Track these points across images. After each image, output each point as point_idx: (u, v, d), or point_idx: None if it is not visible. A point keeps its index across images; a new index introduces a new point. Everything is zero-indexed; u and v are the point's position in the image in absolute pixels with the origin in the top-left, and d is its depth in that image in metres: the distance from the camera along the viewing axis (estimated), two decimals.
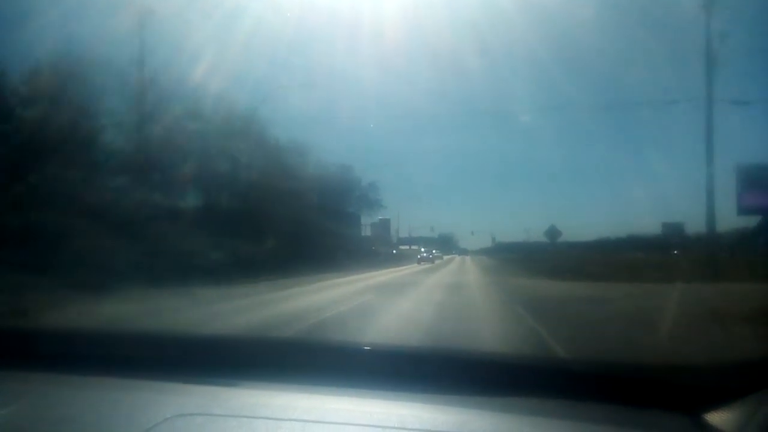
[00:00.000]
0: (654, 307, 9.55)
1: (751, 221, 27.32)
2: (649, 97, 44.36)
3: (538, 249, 45.25)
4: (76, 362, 1.82)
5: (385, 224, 59.00)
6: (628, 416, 1.48)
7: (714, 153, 19.55)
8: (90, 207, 16.31)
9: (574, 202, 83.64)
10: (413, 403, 1.52)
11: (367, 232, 52.20)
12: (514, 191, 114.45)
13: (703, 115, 19.70)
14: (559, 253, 34.01)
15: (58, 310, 9.10)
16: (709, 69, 19.48)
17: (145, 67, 20.19)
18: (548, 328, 7.42)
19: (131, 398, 1.59)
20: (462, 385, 1.59)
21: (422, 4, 28.67)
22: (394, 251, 58.55)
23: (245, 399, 1.59)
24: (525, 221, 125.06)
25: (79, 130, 18.76)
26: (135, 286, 11.86)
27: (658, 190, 45.39)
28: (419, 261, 47.30)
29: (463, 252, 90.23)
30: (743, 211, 24.66)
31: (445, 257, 66.83)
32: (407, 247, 65.44)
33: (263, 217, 24.89)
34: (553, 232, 28.35)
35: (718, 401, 1.51)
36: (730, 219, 26.77)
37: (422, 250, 56.00)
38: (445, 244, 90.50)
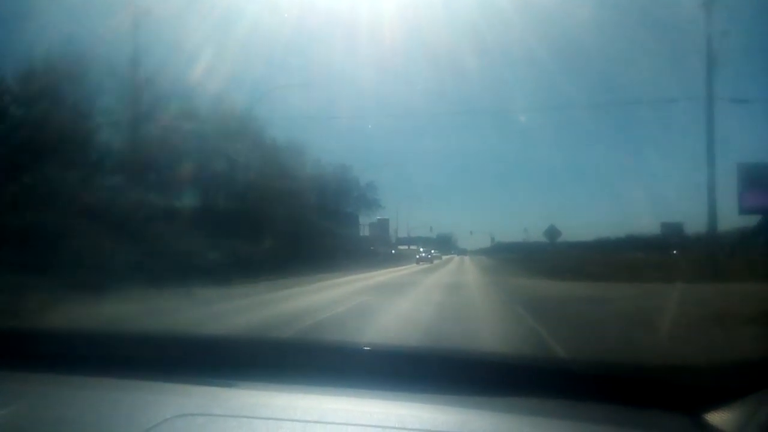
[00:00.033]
0: (655, 307, 9.52)
1: (750, 221, 27.28)
2: (648, 96, 44.44)
3: (537, 249, 45.25)
4: (76, 363, 1.82)
5: (383, 224, 59.10)
6: (628, 416, 1.48)
7: (714, 152, 19.48)
8: (88, 207, 16.30)
9: (573, 202, 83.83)
10: (413, 403, 1.52)
11: (365, 232, 52.34)
12: (513, 191, 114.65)
13: (702, 115, 19.65)
14: (559, 253, 34.01)
15: (56, 311, 9.09)
16: (709, 67, 19.33)
17: (142, 67, 20.18)
18: (548, 329, 7.42)
19: (131, 399, 1.59)
20: (462, 385, 1.59)
21: (420, 4, 28.66)
22: (393, 251, 58.58)
23: (245, 399, 1.59)
24: (524, 221, 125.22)
25: (76, 130, 18.74)
26: (134, 287, 11.84)
27: (657, 190, 45.55)
28: (418, 261, 47.30)
29: (462, 252, 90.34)
30: (745, 210, 24.51)
31: (444, 257, 66.87)
32: (406, 247, 65.50)
33: (261, 217, 24.89)
34: (552, 232, 28.34)
35: (718, 401, 1.51)
36: (730, 218, 26.75)
37: (421, 250, 56.04)
38: (444, 244, 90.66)
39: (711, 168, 19.48)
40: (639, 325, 7.80)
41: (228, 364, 1.81)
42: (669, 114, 52.00)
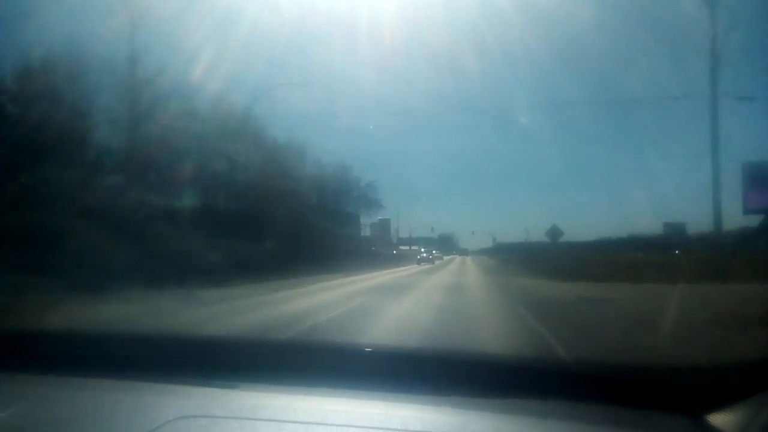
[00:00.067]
0: (659, 309, 9.39)
1: (752, 220, 27.13)
2: (650, 95, 44.28)
3: (538, 249, 45.24)
4: (76, 364, 1.82)
5: (384, 224, 59.08)
6: (629, 417, 1.48)
7: (719, 151, 19.12)
8: (87, 207, 16.32)
9: (574, 202, 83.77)
10: (414, 405, 1.51)
11: (366, 232, 52.31)
12: (515, 191, 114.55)
13: (704, 114, 19.48)
14: (560, 253, 33.97)
15: (56, 311, 9.08)
16: (713, 64, 19.05)
17: (142, 66, 20.23)
18: (552, 331, 7.38)
19: (132, 400, 1.59)
20: (462, 387, 1.59)
21: (420, 4, 28.67)
22: (394, 252, 58.57)
23: (246, 400, 1.59)
24: (526, 221, 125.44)
25: (76, 130, 18.77)
26: (133, 287, 11.84)
27: (659, 190, 45.44)
28: (419, 261, 47.25)
29: (464, 252, 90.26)
30: (749, 210, 24.18)
31: (446, 257, 66.78)
32: (407, 247, 65.46)
33: (262, 217, 24.91)
34: (554, 232, 28.22)
35: (719, 402, 1.51)
36: (733, 218, 26.64)
37: (422, 250, 55.94)
38: (446, 244, 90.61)
39: (715, 167, 19.15)
40: (645, 328, 7.68)
41: (229, 366, 1.81)
42: (671, 113, 51.87)
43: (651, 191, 46.65)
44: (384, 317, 9.81)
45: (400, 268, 35.58)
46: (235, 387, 1.65)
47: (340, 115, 49.03)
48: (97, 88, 20.28)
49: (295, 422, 1.43)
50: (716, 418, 1.46)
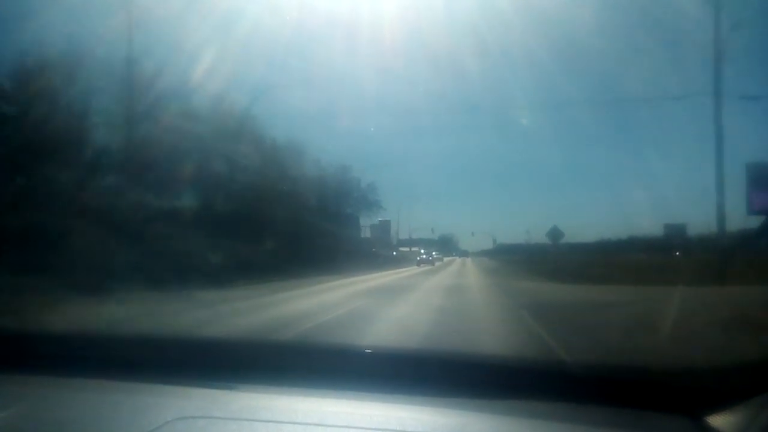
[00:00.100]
0: (663, 312, 9.25)
1: (752, 222, 27.02)
2: (650, 95, 44.20)
3: (539, 250, 45.20)
4: (76, 365, 1.82)
5: (384, 226, 59.02)
6: (629, 419, 1.48)
7: (723, 151, 18.50)
8: (87, 208, 16.33)
9: (575, 203, 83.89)
10: (413, 406, 1.51)
11: (366, 233, 52.28)
12: (515, 192, 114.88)
13: (705, 114, 19.13)
14: (561, 254, 33.93)
15: (55, 312, 9.08)
16: (717, 63, 18.58)
17: (141, 66, 20.19)
18: (551, 332, 7.37)
19: (132, 401, 1.59)
20: (462, 388, 1.59)
21: (421, 5, 28.69)
22: (394, 253, 58.57)
23: (246, 402, 1.59)
24: (526, 222, 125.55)
25: (75, 131, 18.76)
26: (133, 288, 11.84)
27: (659, 191, 45.37)
28: (419, 263, 47.20)
29: (464, 253, 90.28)
30: (754, 211, 23.85)
31: (446, 259, 66.76)
32: (407, 248, 65.44)
33: (261, 218, 24.91)
34: (555, 233, 28.12)
35: (720, 404, 1.50)
36: (734, 219, 26.49)
37: (422, 251, 55.85)
38: (446, 245, 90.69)
39: (719, 167, 18.48)
40: (650, 332, 7.60)
41: (228, 367, 1.81)
42: (671, 114, 51.84)
43: (652, 192, 46.68)
44: (384, 319, 9.80)
45: (400, 270, 35.57)
46: (235, 388, 1.65)
47: (340, 115, 48.92)
48: (97, 89, 20.30)
49: (294, 423, 1.43)
50: (716, 420, 1.46)
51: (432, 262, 48.82)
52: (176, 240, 17.24)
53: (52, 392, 1.66)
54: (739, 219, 25.13)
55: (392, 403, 1.53)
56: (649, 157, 48.00)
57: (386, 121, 53.69)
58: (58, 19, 23.85)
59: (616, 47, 39.86)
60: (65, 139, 18.13)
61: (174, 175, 21.78)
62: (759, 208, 23.93)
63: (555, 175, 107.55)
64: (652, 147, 48.78)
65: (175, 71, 21.46)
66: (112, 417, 1.51)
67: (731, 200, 23.75)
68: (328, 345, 2.85)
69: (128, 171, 19.54)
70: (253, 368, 1.80)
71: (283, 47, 35.14)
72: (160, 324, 8.43)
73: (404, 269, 36.99)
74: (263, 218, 25.02)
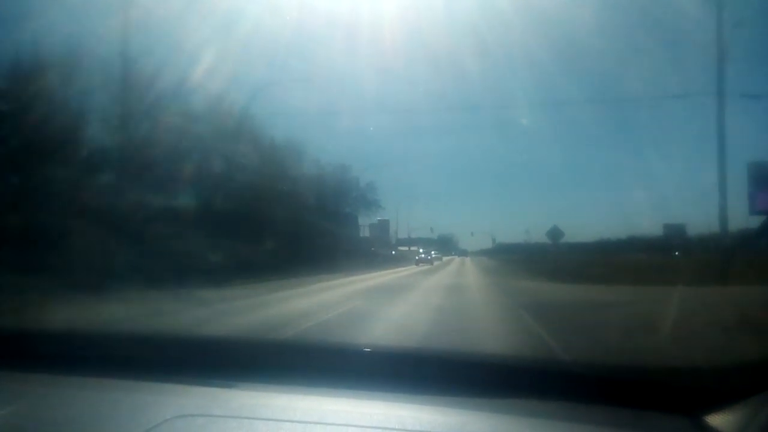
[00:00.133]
0: (661, 311, 9.27)
1: (752, 222, 26.94)
2: (651, 95, 44.17)
3: (538, 250, 45.25)
4: (76, 363, 1.82)
5: (383, 225, 59.07)
6: (628, 418, 1.48)
7: (725, 150, 18.37)
8: (86, 207, 16.31)
9: (574, 203, 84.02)
10: (413, 405, 1.51)
11: (365, 233, 52.28)
12: (515, 192, 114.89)
13: (705, 114, 19.15)
14: (560, 254, 33.94)
15: (55, 311, 9.08)
16: (720, 61, 18.38)
17: (140, 66, 20.15)
18: (550, 331, 7.37)
19: (131, 399, 1.59)
20: (461, 387, 1.59)
21: (421, 5, 28.66)
22: (393, 252, 58.59)
23: (245, 400, 1.59)
24: (525, 222, 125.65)
25: (73, 130, 18.75)
26: (132, 287, 11.84)
27: (659, 191, 45.35)
28: (417, 263, 47.16)
29: (463, 253, 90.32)
30: (756, 211, 23.57)
31: (445, 258, 66.74)
32: (406, 248, 65.42)
33: (260, 217, 24.91)
34: (555, 233, 28.08)
35: (719, 403, 1.51)
36: (734, 219, 26.45)
37: (421, 251, 55.80)
38: (445, 245, 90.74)
39: (722, 167, 18.34)
40: (650, 332, 7.61)
41: (228, 365, 1.81)
42: (671, 113, 51.89)
43: (651, 192, 46.65)
44: (383, 318, 9.80)
45: (399, 269, 35.59)
46: (234, 386, 1.65)
47: (340, 115, 48.95)
48: (95, 88, 20.26)
49: (293, 422, 1.43)
50: (715, 419, 1.46)
51: (431, 262, 48.76)
52: (175, 239, 17.24)
53: (51, 390, 1.66)
54: (740, 219, 25.08)
55: (392, 402, 1.53)
56: (650, 156, 47.97)
57: (386, 121, 53.79)
58: (57, 19, 23.88)
59: (617, 47, 39.89)
60: (64, 138, 18.11)
61: (173, 175, 21.77)
62: (762, 208, 23.69)
63: (555, 175, 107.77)
64: (652, 147, 48.84)
65: (174, 71, 21.44)
66: (112, 415, 1.51)
67: (731, 200, 23.64)
68: (327, 344, 2.85)
69: (127, 170, 19.52)
70: (252, 366, 1.80)
71: (283, 47, 35.14)
72: (160, 323, 8.43)
73: (403, 269, 36.99)
74: (262, 217, 25.02)
